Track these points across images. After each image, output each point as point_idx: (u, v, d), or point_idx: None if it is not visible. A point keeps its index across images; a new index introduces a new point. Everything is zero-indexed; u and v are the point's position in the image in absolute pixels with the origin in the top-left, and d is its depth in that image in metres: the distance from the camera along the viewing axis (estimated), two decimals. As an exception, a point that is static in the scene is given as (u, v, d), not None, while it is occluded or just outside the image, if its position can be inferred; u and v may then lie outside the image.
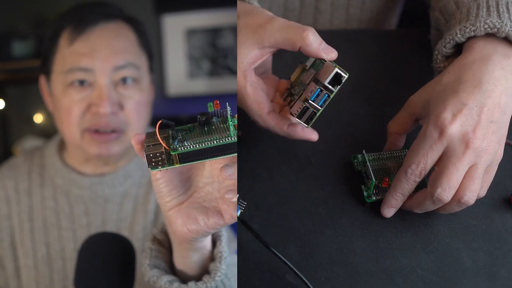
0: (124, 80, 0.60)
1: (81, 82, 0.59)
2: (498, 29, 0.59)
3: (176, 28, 1.59)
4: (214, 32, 1.58)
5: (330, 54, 0.55)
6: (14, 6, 1.63)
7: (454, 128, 0.54)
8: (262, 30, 0.54)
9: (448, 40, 0.64)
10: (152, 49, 0.66)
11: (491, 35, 0.60)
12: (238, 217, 0.56)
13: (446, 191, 0.54)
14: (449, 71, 0.60)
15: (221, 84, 1.58)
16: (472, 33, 0.60)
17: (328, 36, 0.94)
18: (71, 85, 0.59)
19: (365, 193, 0.63)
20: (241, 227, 0.57)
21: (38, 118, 1.64)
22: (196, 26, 1.58)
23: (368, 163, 0.65)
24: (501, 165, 0.68)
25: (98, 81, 0.59)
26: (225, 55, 1.58)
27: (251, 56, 0.55)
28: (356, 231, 0.61)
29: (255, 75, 0.57)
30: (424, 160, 0.55)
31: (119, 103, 0.60)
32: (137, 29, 0.63)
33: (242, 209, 0.57)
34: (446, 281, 0.55)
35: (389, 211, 0.60)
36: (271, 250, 0.53)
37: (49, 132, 1.64)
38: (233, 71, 1.57)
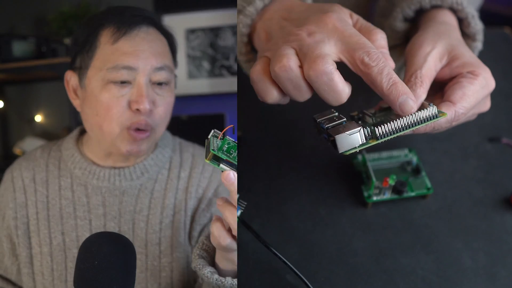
0: (159, 82, 0.64)
1: (122, 81, 0.62)
2: (463, 8, 0.63)
3: (176, 28, 1.59)
4: (214, 32, 1.58)
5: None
6: (14, 6, 1.63)
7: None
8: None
9: (414, 2, 0.66)
10: (177, 58, 0.69)
11: (451, 11, 0.65)
12: (238, 217, 0.56)
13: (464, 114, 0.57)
14: (451, 30, 0.61)
15: (221, 84, 1.58)
16: (439, 3, 0.64)
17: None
18: (111, 81, 0.62)
19: (365, 194, 0.63)
20: (241, 227, 0.57)
21: (38, 118, 1.64)
22: (196, 26, 1.58)
23: (368, 164, 0.65)
24: (501, 165, 0.68)
25: (137, 79, 0.62)
26: (225, 55, 1.58)
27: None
28: (356, 231, 0.61)
29: None
30: (473, 106, 0.56)
31: (154, 102, 0.63)
32: (169, 39, 0.67)
33: (242, 209, 0.57)
34: (446, 281, 0.55)
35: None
36: (271, 250, 0.54)
37: (49, 132, 1.64)
38: (232, 71, 1.57)
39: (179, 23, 1.59)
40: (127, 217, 0.66)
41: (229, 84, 1.56)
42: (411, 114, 0.52)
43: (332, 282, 0.56)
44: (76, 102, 0.67)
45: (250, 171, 0.69)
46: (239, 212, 0.57)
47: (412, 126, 0.52)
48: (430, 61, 0.57)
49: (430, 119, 0.52)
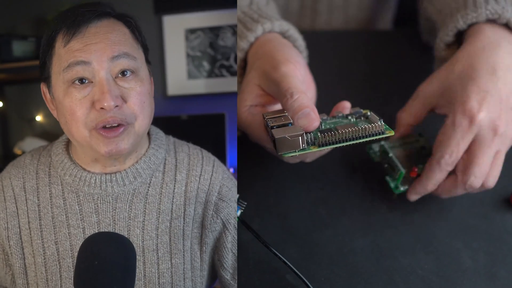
0: (123, 73, 0.61)
1: (81, 80, 0.60)
2: (500, 15, 0.61)
3: (176, 28, 1.59)
4: (214, 32, 1.58)
5: (302, 123, 0.53)
6: (14, 6, 1.63)
7: (482, 116, 0.56)
8: (265, 78, 0.61)
9: (450, 28, 0.65)
10: (146, 42, 0.67)
11: (492, 22, 0.62)
12: (238, 217, 0.56)
13: (478, 179, 0.56)
14: (459, 59, 0.61)
15: (220, 84, 1.58)
16: (474, 20, 0.63)
17: (326, 38, 0.94)
18: (72, 85, 0.60)
19: (392, 185, 0.62)
20: (241, 227, 0.57)
21: (38, 118, 1.64)
22: (195, 26, 1.58)
23: (391, 153, 0.63)
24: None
25: (97, 76, 0.60)
26: (225, 55, 1.58)
27: (252, 96, 0.62)
28: (356, 231, 0.61)
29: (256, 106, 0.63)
30: (456, 150, 0.56)
31: (122, 96, 0.61)
32: (129, 25, 0.64)
33: (242, 209, 0.57)
34: (446, 281, 0.55)
35: (416, 197, 0.61)
36: (271, 250, 0.53)
37: (49, 132, 1.64)
38: (232, 71, 1.57)
39: (179, 23, 1.59)
40: (122, 224, 0.64)
41: (229, 84, 1.56)
42: (358, 127, 0.52)
43: (332, 282, 0.56)
44: (54, 113, 0.65)
45: (250, 171, 0.69)
46: (239, 212, 0.57)
47: (357, 139, 0.52)
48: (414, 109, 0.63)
49: (376, 135, 0.52)
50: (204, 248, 0.66)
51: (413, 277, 0.56)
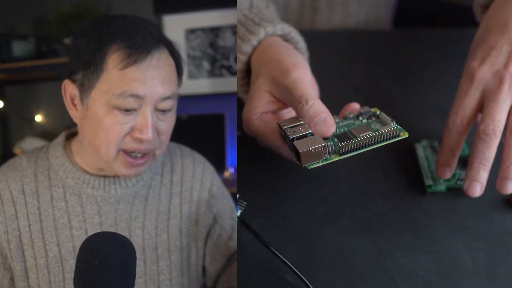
0: (163, 110, 0.62)
1: (128, 109, 0.60)
2: None
3: (176, 28, 1.59)
4: (214, 32, 1.58)
5: (320, 129, 0.54)
6: (14, 6, 1.64)
7: (484, 70, 0.57)
8: (275, 84, 0.60)
9: None
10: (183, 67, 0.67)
11: None
12: (238, 217, 0.56)
13: (489, 125, 0.55)
14: (481, 26, 0.63)
15: (221, 84, 1.58)
16: None
17: (326, 37, 0.94)
18: (117, 108, 0.59)
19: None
20: (241, 227, 0.57)
21: (38, 118, 1.64)
22: (196, 26, 1.58)
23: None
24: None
25: (143, 107, 0.60)
26: (225, 55, 1.58)
27: (263, 103, 0.61)
28: (356, 231, 0.61)
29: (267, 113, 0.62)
30: (462, 108, 0.57)
31: (157, 129, 0.62)
32: (176, 58, 0.64)
33: (242, 209, 0.57)
34: (446, 281, 0.55)
35: (445, 171, 0.61)
36: (271, 250, 0.53)
37: (49, 132, 1.65)
38: (232, 71, 1.57)
39: (179, 23, 1.59)
40: (123, 225, 0.65)
41: (229, 84, 1.57)
42: (376, 133, 0.52)
43: (332, 282, 0.56)
44: (73, 113, 0.64)
45: (250, 171, 0.69)
46: (239, 212, 0.57)
47: (375, 144, 0.53)
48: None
49: (393, 139, 0.53)
50: (199, 244, 0.68)
51: (413, 277, 0.56)
